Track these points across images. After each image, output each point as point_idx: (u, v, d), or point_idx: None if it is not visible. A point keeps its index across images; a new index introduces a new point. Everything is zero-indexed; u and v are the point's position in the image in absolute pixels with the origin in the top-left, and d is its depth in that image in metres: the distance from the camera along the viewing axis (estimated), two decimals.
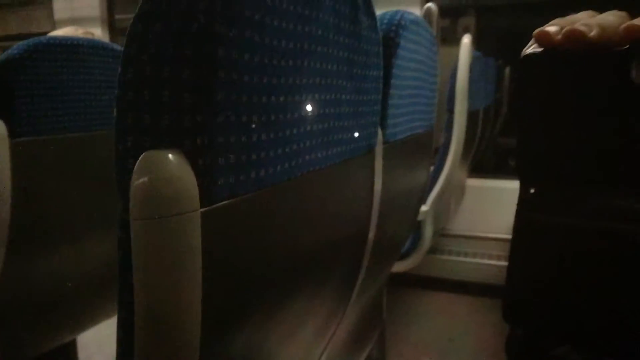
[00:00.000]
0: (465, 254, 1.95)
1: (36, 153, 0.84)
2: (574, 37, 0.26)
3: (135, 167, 0.32)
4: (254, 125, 0.37)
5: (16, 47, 0.81)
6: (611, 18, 0.27)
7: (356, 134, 0.58)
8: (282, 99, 0.41)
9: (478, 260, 1.90)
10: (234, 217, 0.37)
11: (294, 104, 0.43)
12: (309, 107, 0.46)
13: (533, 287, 0.29)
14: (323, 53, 0.47)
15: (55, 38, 0.87)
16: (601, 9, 0.29)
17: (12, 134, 0.80)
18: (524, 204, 0.28)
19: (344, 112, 0.54)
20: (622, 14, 0.27)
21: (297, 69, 0.43)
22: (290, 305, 0.52)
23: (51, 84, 0.85)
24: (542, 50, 0.27)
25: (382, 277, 1.09)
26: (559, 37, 0.27)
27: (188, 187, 0.32)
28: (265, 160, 0.39)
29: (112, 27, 2.62)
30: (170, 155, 0.32)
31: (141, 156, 0.31)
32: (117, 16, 2.65)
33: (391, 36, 0.69)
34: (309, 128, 0.46)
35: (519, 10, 2.54)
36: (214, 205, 0.34)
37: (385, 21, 0.71)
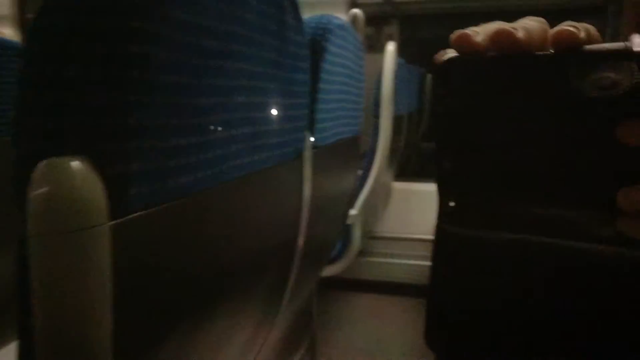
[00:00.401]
0: (393, 256, 1.99)
1: None
2: (501, 38, 0.24)
3: (33, 177, 0.28)
4: (171, 129, 0.35)
5: None
6: (533, 23, 0.26)
7: (284, 139, 0.57)
8: (203, 100, 0.38)
9: (405, 261, 1.94)
10: (151, 229, 0.34)
11: (217, 107, 0.41)
12: (233, 110, 0.44)
13: (456, 307, 0.28)
14: (248, 54, 0.45)
15: None
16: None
17: None
18: (444, 217, 0.27)
19: (271, 115, 0.52)
20: (541, 19, 0.27)
21: (221, 70, 0.41)
22: (216, 318, 0.49)
23: None
24: (460, 55, 0.26)
25: (312, 282, 1.07)
26: (480, 38, 0.25)
27: (95, 198, 0.29)
28: (186, 166, 0.37)
29: (23, 26, 2.43)
30: (74, 163, 0.28)
31: (41, 163, 0.28)
32: (29, 15, 2.47)
33: (318, 40, 0.68)
34: (234, 132, 0.44)
35: (441, 19, 2.63)
36: (127, 218, 0.31)
37: (312, 25, 0.70)
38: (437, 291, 0.29)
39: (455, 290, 0.28)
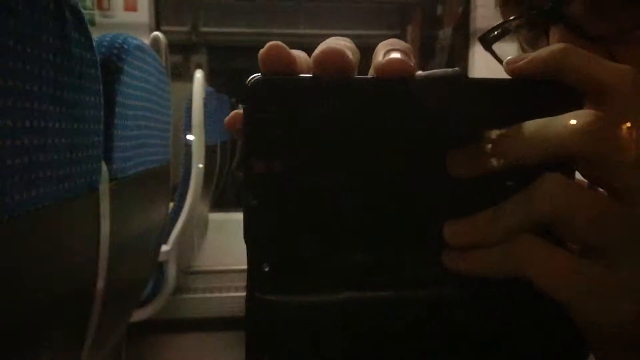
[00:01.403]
0: (213, 290, 1.92)
1: None
2: (330, 59, 0.21)
3: None
4: None
5: None
6: (345, 43, 0.24)
7: (72, 170, 0.49)
8: None
9: (226, 294, 1.89)
10: None
11: None
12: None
13: None
14: (18, 69, 0.38)
15: None
16: None
17: None
18: (256, 282, 0.23)
19: (53, 143, 0.44)
20: (347, 39, 0.25)
21: None
22: None
23: None
24: (271, 77, 0.22)
25: (119, 330, 0.96)
26: (295, 53, 0.22)
27: None
28: None
29: None
30: None
31: None
32: None
33: (112, 60, 0.62)
34: (1, 164, 0.36)
35: (250, 50, 2.70)
36: None
37: (105, 44, 0.63)
38: None
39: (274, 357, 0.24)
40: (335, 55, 0.22)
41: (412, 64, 0.22)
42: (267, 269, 0.23)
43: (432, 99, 0.22)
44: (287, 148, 0.22)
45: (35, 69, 0.41)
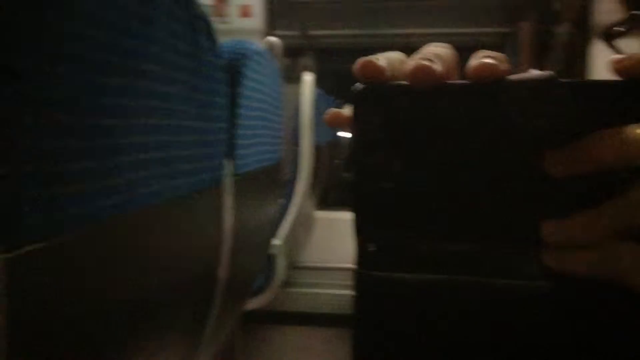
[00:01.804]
0: (317, 286, 1.97)
1: None
2: (420, 75, 0.23)
3: None
4: (71, 152, 0.31)
5: None
6: (443, 50, 0.25)
7: (202, 165, 0.54)
8: (108, 122, 0.35)
9: (329, 290, 1.93)
10: (50, 262, 0.30)
11: (124, 129, 0.38)
12: (142, 133, 0.41)
13: (381, 349, 0.26)
14: (159, 74, 0.43)
15: None
16: None
17: None
18: (363, 261, 0.26)
19: (186, 140, 0.49)
20: (447, 45, 0.26)
21: (130, 90, 0.38)
22: (133, 352, 0.45)
23: None
24: (372, 85, 0.24)
25: (235, 316, 1.03)
26: (384, 63, 0.24)
27: None
28: (89, 193, 0.33)
29: None
30: None
31: None
32: None
33: (235, 65, 0.67)
34: (142, 156, 0.41)
35: (356, 53, 2.73)
36: (21, 250, 0.27)
37: (228, 50, 0.68)
38: (362, 334, 0.27)
39: (379, 333, 0.27)
40: (424, 72, 0.23)
41: (503, 68, 0.23)
42: (372, 249, 0.25)
43: (526, 101, 0.23)
44: (389, 146, 0.24)
45: (172, 72, 0.46)
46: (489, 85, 0.23)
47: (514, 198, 0.24)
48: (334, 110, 0.27)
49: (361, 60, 0.25)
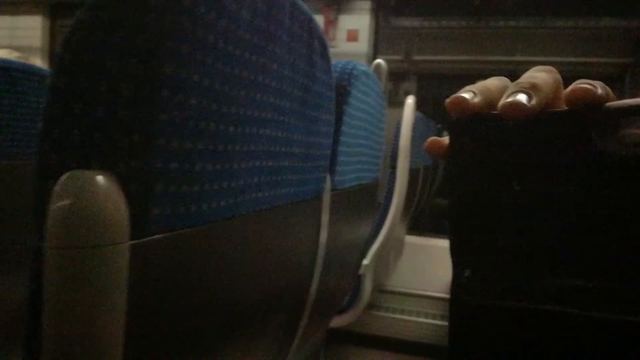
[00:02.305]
0: (403, 312, 1.93)
1: None
2: (511, 112, 0.23)
3: (56, 188, 0.27)
4: (197, 154, 0.34)
5: None
6: (544, 75, 0.25)
7: (304, 177, 0.56)
8: (231, 129, 0.38)
9: (415, 318, 1.89)
10: (169, 253, 0.32)
11: (243, 137, 0.40)
12: (257, 142, 0.43)
13: None
14: (277, 88, 0.45)
15: None
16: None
17: None
18: (459, 286, 0.26)
19: (294, 152, 0.51)
20: (551, 68, 0.25)
21: (250, 100, 0.40)
22: (226, 351, 0.47)
23: None
24: (469, 116, 0.25)
25: (321, 332, 1.04)
26: (478, 100, 0.24)
27: (118, 214, 0.28)
28: (208, 193, 0.36)
29: (52, 59, 2.53)
30: (99, 177, 0.27)
31: (64, 175, 0.27)
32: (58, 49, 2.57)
33: (343, 84, 0.69)
34: (257, 164, 0.43)
35: (457, 78, 2.69)
36: (147, 238, 0.30)
37: (337, 69, 0.70)
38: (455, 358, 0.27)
39: (474, 357, 0.26)
40: (513, 109, 0.23)
41: (599, 93, 0.22)
42: (467, 275, 0.25)
43: (624, 128, 0.22)
44: (485, 174, 0.25)
45: (288, 88, 0.48)
46: (586, 112, 0.22)
47: (618, 230, 0.22)
48: (433, 138, 0.27)
49: (452, 97, 0.25)
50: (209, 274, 0.39)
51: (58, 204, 0.27)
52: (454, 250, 0.26)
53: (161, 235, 0.31)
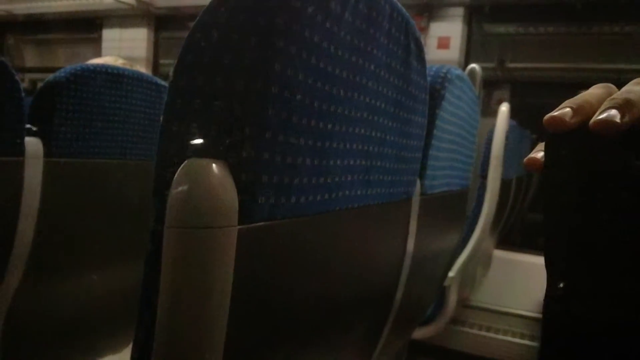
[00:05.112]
0: (488, 329, 1.85)
1: (67, 174, 0.84)
2: (604, 128, 0.23)
3: (176, 175, 0.30)
4: (299, 148, 0.36)
5: (63, 70, 0.83)
6: (636, 88, 0.24)
7: (396, 179, 0.56)
8: (329, 126, 0.39)
9: (501, 336, 1.81)
10: (270, 240, 0.34)
11: (339, 134, 0.41)
12: (352, 140, 0.44)
13: None
14: (373, 89, 0.46)
15: (101, 66, 0.89)
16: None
17: (47, 153, 0.81)
18: (553, 297, 0.25)
19: (386, 152, 0.52)
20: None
21: (347, 100, 0.42)
22: (311, 347, 0.48)
23: (91, 109, 0.87)
24: (565, 133, 0.24)
25: (403, 342, 1.03)
26: (575, 120, 0.24)
27: (229, 200, 0.30)
28: (307, 186, 0.37)
29: (156, 68, 2.72)
30: (213, 166, 0.30)
31: (184, 163, 0.30)
32: (161, 60, 2.76)
33: (437, 87, 0.68)
34: (351, 162, 0.45)
35: (554, 87, 2.55)
36: (253, 224, 0.32)
37: (431, 73, 0.70)
38: None
39: None
40: (604, 126, 0.23)
41: None
42: (561, 286, 0.25)
43: None
44: (581, 189, 0.24)
45: (384, 89, 0.49)
46: None
47: None
48: (530, 157, 0.27)
49: (548, 116, 0.25)
50: (302, 265, 0.41)
51: (177, 189, 0.29)
52: (549, 260, 0.25)
53: (264, 223, 0.33)
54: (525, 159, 0.27)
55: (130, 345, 0.34)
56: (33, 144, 0.79)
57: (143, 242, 0.33)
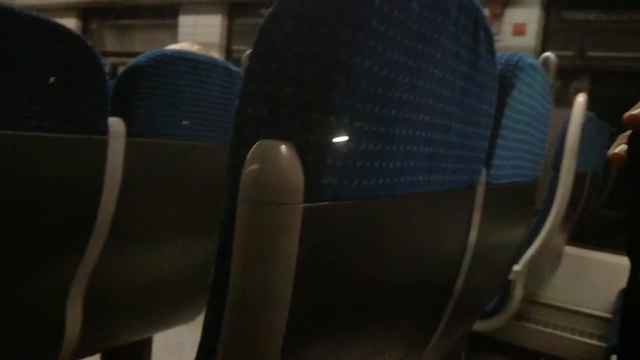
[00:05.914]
0: (555, 326, 1.80)
1: (147, 153, 0.90)
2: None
3: (249, 155, 0.33)
4: (362, 133, 0.37)
5: (144, 55, 0.89)
6: None
7: (460, 166, 0.56)
8: (393, 112, 0.41)
9: (569, 335, 1.74)
10: (332, 220, 0.36)
11: (403, 121, 0.42)
12: (415, 127, 0.45)
13: None
14: (439, 76, 0.47)
15: (179, 51, 0.94)
16: None
17: (129, 133, 0.87)
18: (634, 289, 0.25)
19: (450, 140, 0.52)
20: None
21: (412, 87, 0.43)
22: (368, 328, 0.50)
23: (169, 92, 0.92)
24: None
25: (463, 332, 1.02)
26: None
27: (295, 179, 0.32)
28: (369, 170, 0.39)
29: (228, 55, 2.81)
30: (283, 147, 0.32)
31: (256, 143, 0.33)
32: (234, 47, 2.85)
33: (507, 76, 0.67)
34: (414, 148, 0.45)
35: (637, 78, 2.39)
36: (316, 204, 0.34)
37: (502, 61, 0.69)
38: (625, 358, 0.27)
39: None
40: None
41: None
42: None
43: None
44: None
45: (450, 76, 0.49)
46: None
47: None
48: (615, 153, 0.27)
49: (628, 114, 0.25)
50: (363, 247, 0.42)
51: (250, 167, 0.32)
52: (631, 251, 0.26)
53: (327, 203, 0.35)
54: (609, 154, 0.27)
55: (202, 314, 0.37)
56: (116, 124, 0.85)
57: (213, 218, 0.36)
